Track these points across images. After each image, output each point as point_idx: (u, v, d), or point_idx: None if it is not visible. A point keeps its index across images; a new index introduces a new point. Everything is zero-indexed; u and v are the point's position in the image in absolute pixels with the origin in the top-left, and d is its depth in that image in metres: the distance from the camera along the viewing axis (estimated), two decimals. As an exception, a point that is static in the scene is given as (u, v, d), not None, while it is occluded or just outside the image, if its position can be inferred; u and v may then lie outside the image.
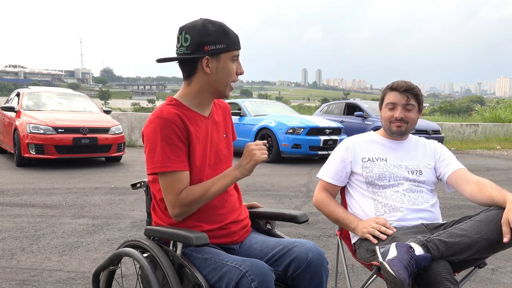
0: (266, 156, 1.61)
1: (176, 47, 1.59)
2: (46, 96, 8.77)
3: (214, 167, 1.65)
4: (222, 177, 1.58)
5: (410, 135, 2.12)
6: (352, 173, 2.06)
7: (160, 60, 1.64)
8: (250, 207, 1.87)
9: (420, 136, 2.19)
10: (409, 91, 1.99)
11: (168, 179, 1.52)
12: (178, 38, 1.58)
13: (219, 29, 1.54)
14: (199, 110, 1.64)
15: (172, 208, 1.54)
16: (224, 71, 1.57)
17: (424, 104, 2.11)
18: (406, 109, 2.00)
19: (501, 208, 1.65)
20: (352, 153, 2.05)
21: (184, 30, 1.55)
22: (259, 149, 1.60)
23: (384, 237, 1.77)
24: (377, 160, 2.02)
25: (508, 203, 1.62)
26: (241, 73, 1.63)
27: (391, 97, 2.02)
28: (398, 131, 2.02)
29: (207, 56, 1.54)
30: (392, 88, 2.03)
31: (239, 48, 1.60)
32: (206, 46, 1.53)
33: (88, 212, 4.52)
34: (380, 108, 2.11)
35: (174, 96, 1.65)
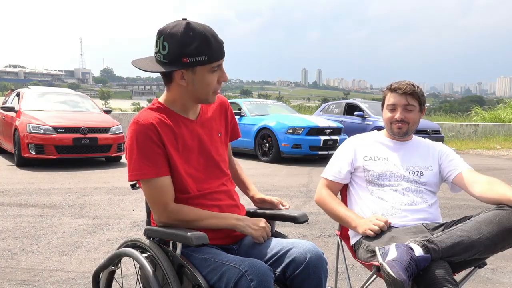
0: (262, 239, 1.63)
1: (155, 50, 1.51)
2: (46, 96, 8.77)
3: (205, 171, 1.63)
4: (221, 218, 1.58)
5: (414, 136, 2.13)
6: (353, 171, 2.07)
7: (134, 64, 1.56)
8: (266, 202, 1.86)
9: (419, 136, 2.19)
10: (409, 92, 2.00)
11: (150, 186, 1.51)
12: (156, 41, 1.49)
13: (201, 38, 1.44)
14: (184, 113, 1.60)
15: (159, 217, 1.55)
16: (202, 83, 1.51)
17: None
18: (406, 109, 2.01)
19: (501, 208, 1.65)
20: (355, 152, 2.07)
21: (163, 36, 1.46)
22: (263, 230, 1.63)
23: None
24: (379, 160, 2.03)
25: None
26: (224, 81, 1.56)
27: (391, 98, 2.03)
28: (399, 132, 2.04)
29: (181, 70, 1.48)
30: (392, 89, 2.04)
31: (221, 58, 1.50)
32: (185, 58, 1.45)
33: (88, 212, 4.52)
34: (382, 109, 2.11)
35: (159, 99, 1.61)
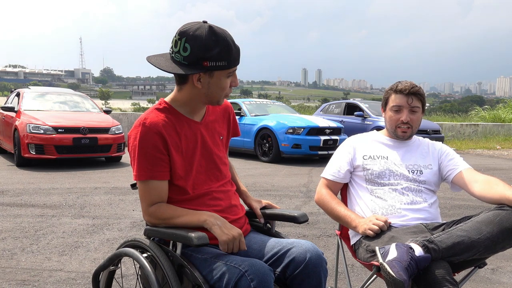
0: (225, 247, 1.45)
1: (172, 49, 1.50)
2: (46, 96, 8.77)
3: (206, 173, 1.63)
4: (195, 214, 1.53)
5: (414, 136, 2.13)
6: (353, 170, 2.07)
7: (150, 61, 1.54)
8: (266, 206, 1.84)
9: (419, 136, 2.20)
10: (414, 93, 2.01)
11: (142, 187, 1.55)
12: (176, 42, 1.48)
13: (224, 44, 1.45)
14: (190, 116, 1.61)
15: (143, 214, 1.59)
16: (217, 87, 1.52)
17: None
18: (412, 111, 2.01)
19: (501, 209, 1.65)
20: (354, 151, 2.08)
21: (185, 38, 1.45)
22: (232, 240, 1.45)
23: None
24: (378, 158, 2.03)
25: None
26: (236, 86, 1.59)
27: (396, 99, 2.03)
28: (404, 136, 2.05)
29: (199, 72, 1.47)
30: (397, 90, 2.03)
31: (238, 64, 1.52)
32: (206, 62, 1.45)
33: (88, 212, 4.52)
34: (384, 110, 2.11)
35: (166, 98, 1.62)
